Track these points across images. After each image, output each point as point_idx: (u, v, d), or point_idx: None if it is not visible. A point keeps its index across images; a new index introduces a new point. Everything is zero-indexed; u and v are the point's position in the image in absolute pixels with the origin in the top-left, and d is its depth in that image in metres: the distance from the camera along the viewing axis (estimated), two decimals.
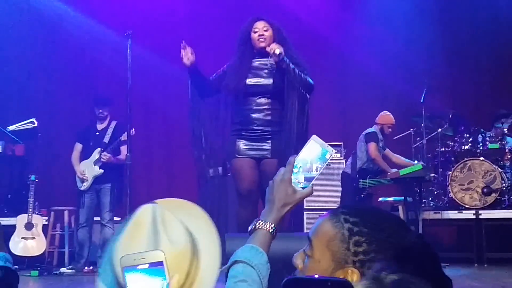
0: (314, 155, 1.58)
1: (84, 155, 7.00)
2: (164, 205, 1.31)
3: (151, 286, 1.13)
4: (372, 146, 7.09)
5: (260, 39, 4.69)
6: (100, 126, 7.07)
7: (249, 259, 1.49)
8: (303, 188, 1.57)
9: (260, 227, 1.56)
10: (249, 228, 1.58)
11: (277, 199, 1.57)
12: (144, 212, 1.28)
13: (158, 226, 1.24)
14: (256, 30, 4.72)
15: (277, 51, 4.51)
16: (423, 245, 1.27)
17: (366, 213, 1.35)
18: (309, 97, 4.73)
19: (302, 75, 4.61)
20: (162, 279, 1.13)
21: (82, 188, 6.87)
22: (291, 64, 4.56)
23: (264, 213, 1.59)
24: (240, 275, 1.46)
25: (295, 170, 1.57)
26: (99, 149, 6.88)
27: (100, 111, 7.03)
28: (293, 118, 4.63)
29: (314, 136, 1.60)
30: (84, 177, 6.84)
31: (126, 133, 6.24)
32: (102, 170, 6.83)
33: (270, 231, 1.55)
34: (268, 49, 4.59)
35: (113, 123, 7.05)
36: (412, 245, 1.26)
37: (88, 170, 6.89)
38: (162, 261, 1.13)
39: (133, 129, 6.43)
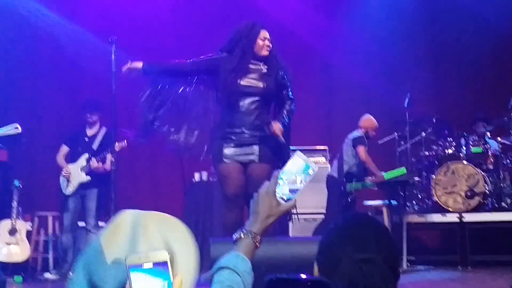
0: (298, 169, 1.66)
1: (72, 159, 6.95)
2: (146, 215, 1.33)
3: (154, 285, 1.15)
4: (361, 149, 7.13)
5: (267, 48, 4.81)
6: (89, 132, 7.03)
7: (235, 265, 1.53)
8: (286, 200, 1.64)
9: (244, 237, 1.62)
10: (234, 238, 1.64)
11: (262, 211, 1.64)
12: (125, 216, 1.30)
13: (138, 230, 1.26)
14: (264, 38, 4.82)
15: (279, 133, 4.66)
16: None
17: None
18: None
19: (290, 110, 4.77)
20: (164, 279, 1.16)
21: (66, 193, 6.83)
22: (285, 118, 4.73)
23: (249, 224, 1.65)
24: (226, 281, 1.50)
25: (280, 182, 1.64)
26: (87, 155, 6.84)
27: (89, 115, 6.99)
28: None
29: (298, 152, 1.69)
30: (67, 175, 6.78)
31: (117, 143, 6.26)
32: (89, 177, 6.79)
33: (255, 241, 1.61)
34: (272, 129, 4.65)
35: (103, 130, 7.01)
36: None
37: (73, 175, 6.85)
38: (166, 261, 1.16)
39: (125, 141, 6.41)
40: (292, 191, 1.65)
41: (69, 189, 6.83)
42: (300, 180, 1.65)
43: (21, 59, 8.75)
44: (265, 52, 4.79)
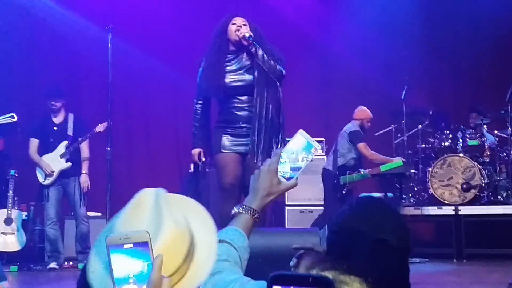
0: (300, 147, 1.63)
1: (44, 150, 6.80)
2: (166, 193, 1.32)
3: (134, 266, 1.14)
4: (362, 146, 7.06)
5: (237, 29, 4.69)
6: (56, 120, 6.88)
7: (233, 240, 1.53)
8: (287, 179, 1.62)
9: (243, 212, 1.60)
10: (232, 212, 1.62)
11: (262, 188, 1.61)
12: (147, 193, 1.29)
13: (161, 205, 1.25)
14: (235, 22, 4.74)
15: (247, 34, 4.57)
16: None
17: None
18: (279, 84, 4.72)
19: (271, 61, 4.60)
20: (144, 260, 1.14)
21: (46, 183, 6.68)
22: (260, 49, 4.59)
23: (248, 200, 1.63)
24: (223, 254, 1.49)
25: (282, 161, 1.62)
26: (66, 142, 6.72)
27: (52, 103, 6.80)
28: (263, 105, 4.64)
29: (301, 131, 1.66)
30: (51, 173, 6.67)
31: (101, 124, 6.23)
32: (70, 163, 6.69)
33: (253, 217, 1.60)
34: (238, 33, 4.62)
35: (71, 116, 6.89)
36: None
37: (54, 164, 6.71)
38: (147, 242, 1.14)
39: (106, 123, 6.32)
40: (294, 169, 1.62)
41: (49, 179, 6.69)
42: (302, 158, 1.62)
43: (16, 47, 8.70)
44: (234, 37, 4.68)
